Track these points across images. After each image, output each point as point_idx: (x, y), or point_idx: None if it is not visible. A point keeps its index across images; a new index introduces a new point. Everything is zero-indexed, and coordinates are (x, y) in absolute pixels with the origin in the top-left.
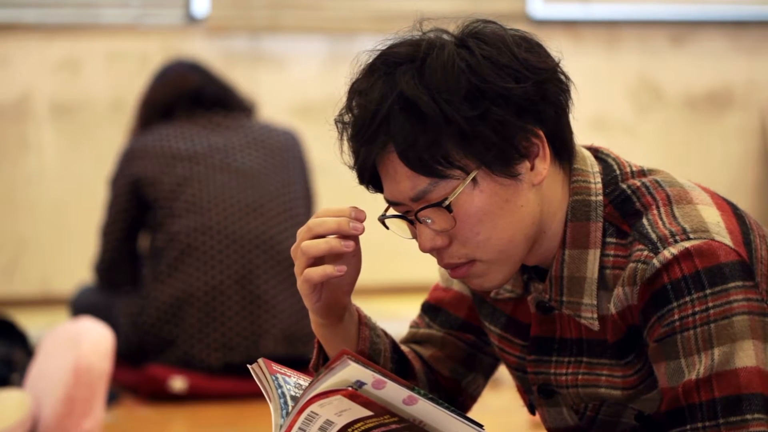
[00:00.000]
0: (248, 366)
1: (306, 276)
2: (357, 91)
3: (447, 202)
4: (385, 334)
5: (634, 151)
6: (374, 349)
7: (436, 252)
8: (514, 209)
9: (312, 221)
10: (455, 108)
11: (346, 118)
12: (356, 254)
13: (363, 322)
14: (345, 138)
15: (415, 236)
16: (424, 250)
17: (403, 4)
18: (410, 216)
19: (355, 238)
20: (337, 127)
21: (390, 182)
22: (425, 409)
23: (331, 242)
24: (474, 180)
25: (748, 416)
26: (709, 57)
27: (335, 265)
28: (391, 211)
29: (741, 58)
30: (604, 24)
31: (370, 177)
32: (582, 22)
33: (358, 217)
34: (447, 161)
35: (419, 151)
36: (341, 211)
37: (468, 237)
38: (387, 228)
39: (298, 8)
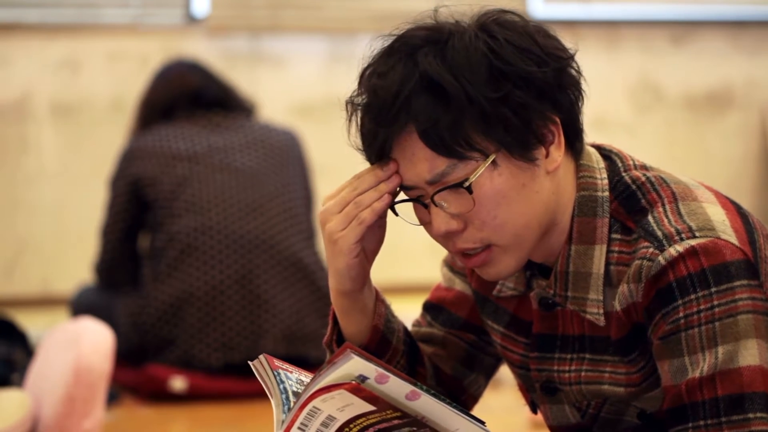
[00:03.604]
0: (250, 363)
1: (360, 218)
2: (375, 73)
3: (468, 183)
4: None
5: (634, 152)
6: (389, 327)
7: (449, 237)
8: (530, 194)
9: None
10: (478, 89)
11: (359, 99)
12: (381, 225)
13: (380, 299)
14: (355, 119)
15: (425, 222)
16: (438, 233)
17: (403, 4)
18: (425, 200)
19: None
20: (347, 108)
21: (407, 165)
22: (428, 404)
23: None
24: (494, 162)
25: (751, 415)
26: (709, 57)
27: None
28: (403, 197)
29: (741, 58)
30: (604, 24)
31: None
32: (582, 22)
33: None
34: (467, 143)
35: (441, 131)
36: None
37: (485, 220)
38: (396, 215)
39: (298, 8)
